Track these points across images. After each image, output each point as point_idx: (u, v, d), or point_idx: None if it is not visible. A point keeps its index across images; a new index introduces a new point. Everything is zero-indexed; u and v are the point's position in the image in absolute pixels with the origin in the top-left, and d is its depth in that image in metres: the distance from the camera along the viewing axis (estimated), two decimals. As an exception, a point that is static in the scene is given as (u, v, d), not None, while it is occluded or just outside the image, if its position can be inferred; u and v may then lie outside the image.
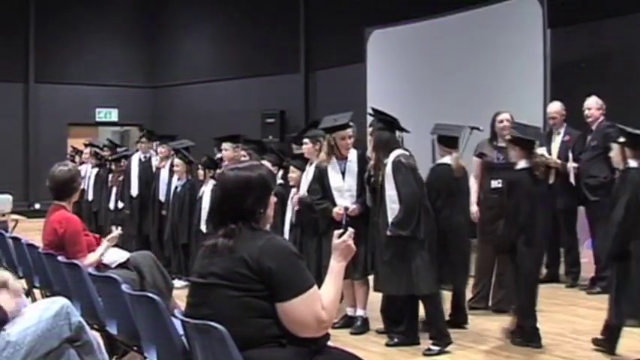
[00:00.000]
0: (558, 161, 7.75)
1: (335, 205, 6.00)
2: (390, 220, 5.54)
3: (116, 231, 5.58)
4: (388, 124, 5.79)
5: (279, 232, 6.44)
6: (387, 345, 5.65)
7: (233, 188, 2.96)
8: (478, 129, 7.67)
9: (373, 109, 6.03)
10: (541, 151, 7.22)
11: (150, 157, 9.86)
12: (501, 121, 6.86)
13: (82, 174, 8.72)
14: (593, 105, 7.55)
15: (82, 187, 5.57)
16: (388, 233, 5.53)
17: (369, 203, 5.98)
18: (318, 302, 2.85)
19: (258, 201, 2.96)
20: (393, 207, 5.55)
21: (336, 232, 3.08)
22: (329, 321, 2.88)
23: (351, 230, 3.07)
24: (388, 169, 5.59)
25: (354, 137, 6.26)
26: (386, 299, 5.89)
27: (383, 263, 5.64)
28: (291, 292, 2.79)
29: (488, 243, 6.79)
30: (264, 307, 2.79)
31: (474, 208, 6.87)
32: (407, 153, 5.67)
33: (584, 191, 7.57)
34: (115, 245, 5.55)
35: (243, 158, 7.67)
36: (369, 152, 5.96)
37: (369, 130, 6.16)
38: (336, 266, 3.02)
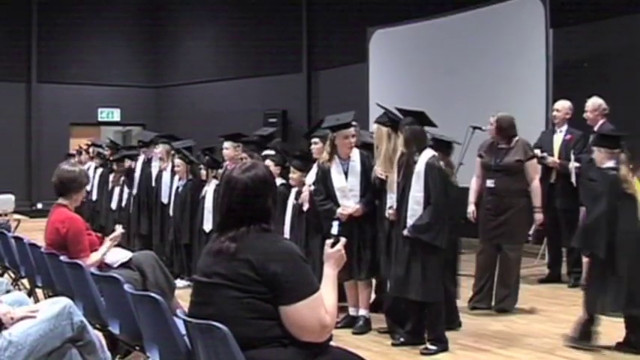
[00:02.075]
0: (557, 160, 7.76)
1: (338, 205, 6.01)
2: (409, 221, 5.42)
3: (119, 230, 5.57)
4: (418, 117, 5.60)
5: (280, 231, 6.43)
6: (393, 345, 5.64)
7: (255, 188, 2.95)
8: (480, 129, 7.70)
9: (398, 109, 5.85)
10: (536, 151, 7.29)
11: (151, 158, 9.89)
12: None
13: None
14: (589, 107, 7.56)
15: (86, 188, 5.56)
16: (406, 233, 5.41)
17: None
18: (322, 307, 2.85)
19: (272, 199, 3.00)
20: (415, 208, 5.40)
21: (328, 242, 3.09)
22: (331, 325, 2.88)
23: (343, 240, 3.09)
24: (419, 169, 5.41)
25: (356, 137, 6.25)
26: (390, 300, 5.89)
27: (394, 263, 5.56)
28: (295, 296, 2.79)
29: (488, 243, 6.82)
30: (267, 309, 2.80)
31: (471, 208, 6.98)
32: (436, 154, 5.52)
33: (584, 192, 7.56)
34: (118, 245, 5.55)
35: (243, 160, 7.67)
36: (379, 152, 5.93)
37: (374, 126, 6.10)
38: (331, 274, 3.04)
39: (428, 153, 5.49)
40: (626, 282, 5.11)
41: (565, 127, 7.90)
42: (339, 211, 5.93)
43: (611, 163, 5.40)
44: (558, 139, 7.89)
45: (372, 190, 6.01)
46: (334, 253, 3.06)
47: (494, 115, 6.96)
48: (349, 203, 5.98)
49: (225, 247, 2.87)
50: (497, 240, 6.73)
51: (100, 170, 11.76)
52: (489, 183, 6.77)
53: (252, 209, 2.92)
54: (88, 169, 11.93)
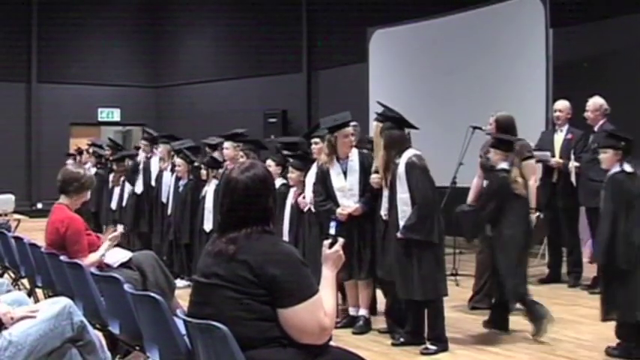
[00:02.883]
0: (560, 160, 7.76)
1: (338, 205, 6.01)
2: (401, 222, 5.43)
3: (119, 229, 5.56)
4: (397, 122, 5.65)
5: (279, 231, 6.43)
6: (393, 345, 5.65)
7: (255, 188, 2.94)
8: (480, 129, 7.69)
9: (381, 108, 5.90)
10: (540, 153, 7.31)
11: (150, 158, 9.89)
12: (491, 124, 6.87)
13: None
14: (589, 107, 7.56)
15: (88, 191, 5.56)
16: (399, 235, 5.43)
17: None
18: (321, 309, 2.84)
19: (273, 200, 2.99)
20: (404, 209, 5.42)
21: (326, 242, 3.08)
22: (330, 328, 2.88)
23: (341, 240, 3.08)
24: (401, 170, 5.46)
25: (355, 136, 6.25)
26: (390, 300, 5.89)
27: (396, 268, 5.56)
28: (294, 299, 2.78)
29: (487, 244, 6.80)
30: (266, 311, 2.79)
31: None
32: (419, 153, 5.53)
33: (583, 192, 7.57)
34: (118, 245, 5.55)
35: (241, 159, 7.65)
36: (377, 152, 5.94)
37: (373, 124, 6.12)
38: (329, 275, 3.03)
39: (408, 153, 5.51)
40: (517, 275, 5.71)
41: (566, 127, 7.90)
42: (338, 210, 5.93)
43: (505, 165, 5.79)
44: (559, 138, 7.89)
45: (371, 189, 6.01)
46: (332, 254, 3.05)
47: (494, 115, 6.95)
48: (349, 203, 5.98)
49: (225, 249, 2.87)
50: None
51: (95, 170, 11.72)
52: (485, 183, 6.74)
53: (254, 209, 2.92)
54: (88, 169, 11.93)
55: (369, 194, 6.01)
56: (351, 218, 5.91)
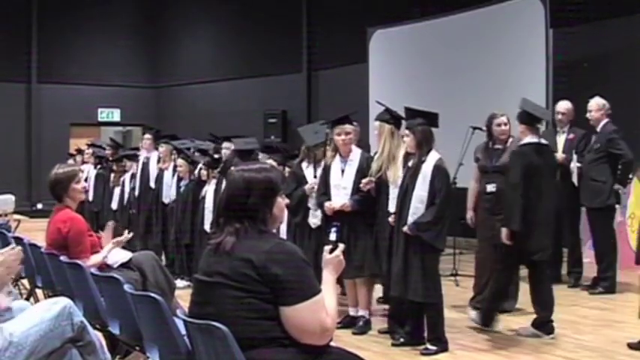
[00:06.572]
0: (563, 155, 7.73)
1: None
2: (410, 218, 5.43)
3: (125, 236, 5.50)
4: (430, 119, 5.64)
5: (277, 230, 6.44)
6: (393, 345, 5.65)
7: (236, 188, 2.96)
8: (480, 129, 7.68)
9: (408, 109, 5.86)
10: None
11: (149, 158, 9.87)
12: (499, 125, 6.75)
13: (85, 174, 8.64)
14: (593, 107, 7.55)
15: (81, 187, 5.47)
16: (405, 229, 5.42)
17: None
18: (323, 310, 2.84)
19: (262, 201, 2.95)
20: (417, 206, 5.43)
21: (327, 248, 3.10)
22: (332, 329, 2.88)
23: (342, 246, 3.10)
24: (427, 169, 5.45)
25: (353, 135, 6.26)
26: (393, 300, 5.89)
27: (393, 263, 5.59)
28: (296, 298, 2.78)
29: (486, 242, 6.79)
30: (268, 310, 2.79)
31: (469, 214, 6.92)
32: (442, 157, 5.55)
33: (585, 192, 7.57)
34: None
35: None
36: (380, 151, 5.97)
37: (376, 124, 6.13)
38: (330, 279, 3.05)
39: (435, 155, 5.53)
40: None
41: (568, 128, 7.90)
42: (326, 204, 6.01)
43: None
44: (561, 139, 7.89)
45: (368, 190, 6.03)
46: (333, 258, 3.07)
47: (504, 115, 6.87)
48: (342, 200, 6.03)
49: (224, 242, 2.87)
50: (494, 240, 6.70)
51: (95, 171, 11.71)
52: (490, 187, 6.64)
53: (240, 208, 2.91)
54: (88, 170, 11.91)
55: (362, 194, 6.03)
56: (341, 216, 5.91)
